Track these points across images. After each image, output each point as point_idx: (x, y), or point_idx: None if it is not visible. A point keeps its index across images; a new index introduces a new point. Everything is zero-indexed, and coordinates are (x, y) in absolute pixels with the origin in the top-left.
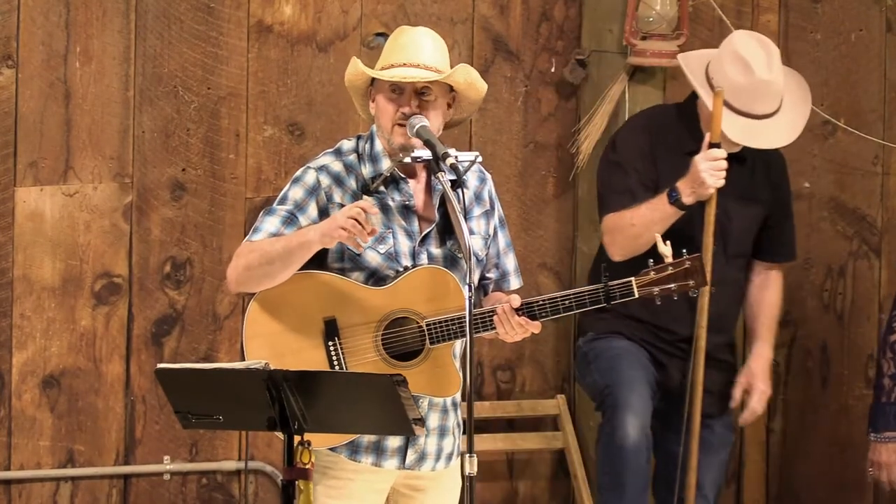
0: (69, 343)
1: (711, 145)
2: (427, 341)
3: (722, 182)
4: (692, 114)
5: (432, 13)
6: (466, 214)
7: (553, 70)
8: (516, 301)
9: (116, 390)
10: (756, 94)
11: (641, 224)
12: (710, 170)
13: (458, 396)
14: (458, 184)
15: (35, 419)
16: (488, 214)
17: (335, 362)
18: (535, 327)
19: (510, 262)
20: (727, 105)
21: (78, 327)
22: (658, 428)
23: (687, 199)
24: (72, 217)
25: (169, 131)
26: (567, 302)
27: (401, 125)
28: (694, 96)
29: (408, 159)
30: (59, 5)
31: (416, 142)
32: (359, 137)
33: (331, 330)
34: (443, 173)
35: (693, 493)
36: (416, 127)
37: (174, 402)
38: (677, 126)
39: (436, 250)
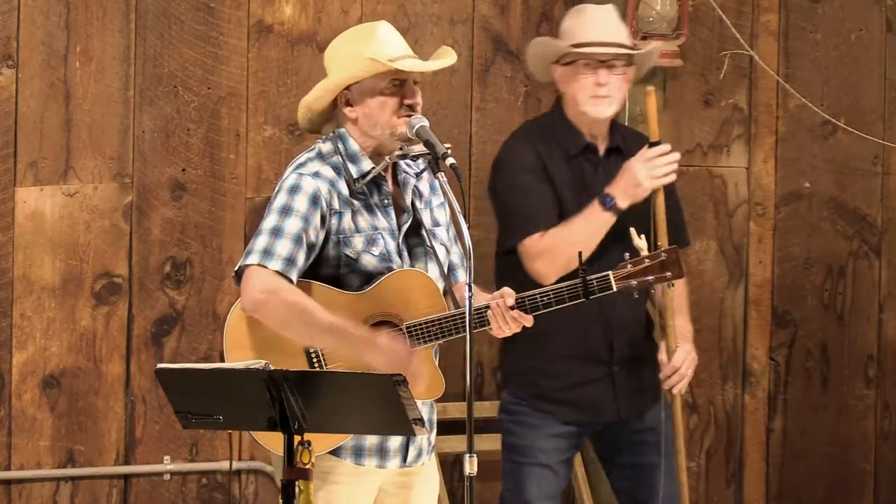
0: (69, 343)
1: (650, 144)
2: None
3: (660, 181)
4: (563, 117)
5: (432, 13)
6: (430, 207)
7: None
8: (510, 300)
9: (116, 390)
10: (594, 22)
11: (581, 239)
12: (646, 170)
13: None
14: (418, 176)
15: (35, 419)
16: (444, 205)
17: (316, 367)
18: (527, 321)
19: (455, 253)
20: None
21: (78, 327)
22: (609, 453)
23: (622, 203)
24: (72, 217)
25: (169, 131)
26: (546, 298)
27: (405, 116)
28: (558, 101)
29: (399, 159)
30: (59, 5)
31: (413, 137)
32: (329, 139)
33: None
34: (442, 174)
35: (686, 490)
36: (417, 127)
37: (174, 402)
38: (554, 133)
39: (415, 246)
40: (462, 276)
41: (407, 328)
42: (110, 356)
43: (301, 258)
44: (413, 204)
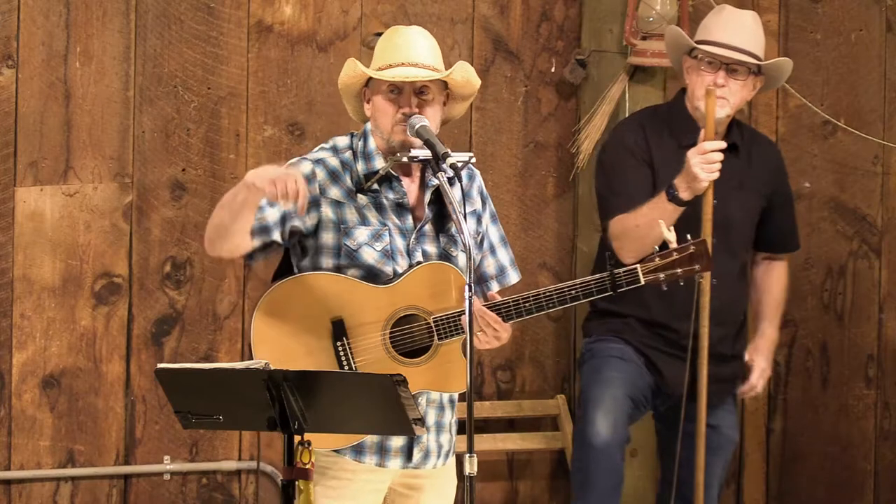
0: (69, 343)
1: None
2: (435, 337)
3: (714, 175)
4: (681, 108)
5: (432, 13)
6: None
7: (553, 70)
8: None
9: (116, 390)
10: (728, 23)
11: (645, 224)
12: (701, 163)
13: (455, 394)
14: (450, 182)
15: (35, 419)
16: (478, 212)
17: (344, 363)
18: (504, 329)
19: (505, 255)
20: (707, 43)
21: (78, 327)
22: (664, 432)
23: (683, 195)
24: (72, 217)
25: (169, 131)
26: (574, 291)
27: (401, 125)
28: (682, 91)
29: (405, 159)
30: (59, 5)
31: (416, 140)
32: (352, 135)
33: (338, 330)
34: (442, 173)
35: (702, 492)
36: (416, 126)
37: (174, 402)
38: (669, 121)
39: (430, 248)
40: (494, 287)
41: (434, 321)
42: (110, 356)
43: (271, 217)
44: (437, 208)
